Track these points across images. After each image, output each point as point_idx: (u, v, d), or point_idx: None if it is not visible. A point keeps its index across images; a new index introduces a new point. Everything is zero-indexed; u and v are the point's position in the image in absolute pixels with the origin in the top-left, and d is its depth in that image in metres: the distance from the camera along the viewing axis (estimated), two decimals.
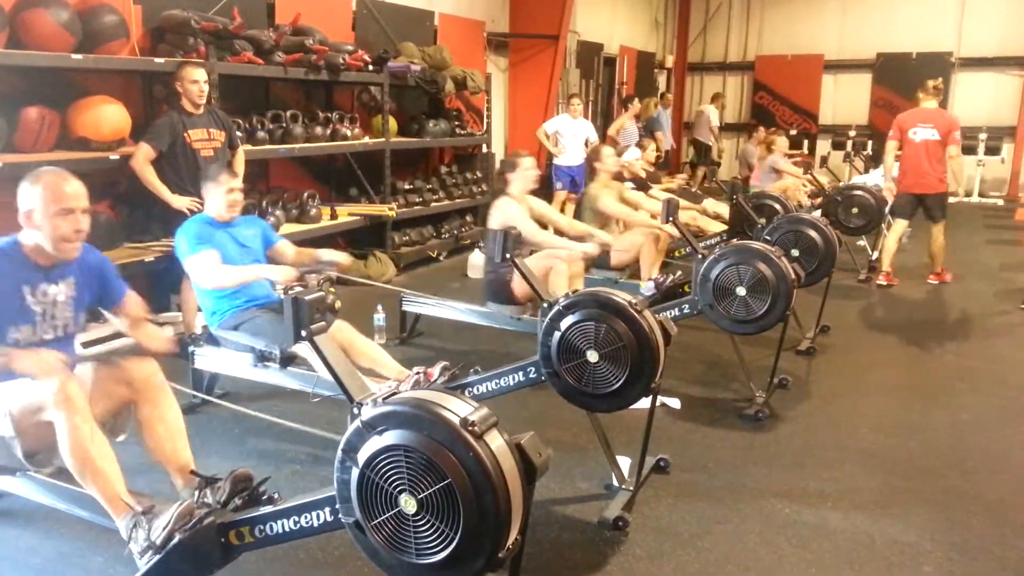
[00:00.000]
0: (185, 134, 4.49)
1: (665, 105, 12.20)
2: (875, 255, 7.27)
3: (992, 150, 12.17)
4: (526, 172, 4.58)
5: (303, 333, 1.96)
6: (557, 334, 2.82)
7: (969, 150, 11.99)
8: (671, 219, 4.26)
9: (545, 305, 3.01)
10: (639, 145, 7.87)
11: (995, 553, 2.64)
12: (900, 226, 6.66)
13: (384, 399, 1.74)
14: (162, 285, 4.64)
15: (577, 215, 5.55)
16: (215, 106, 4.81)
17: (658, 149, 10.92)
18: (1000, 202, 12.09)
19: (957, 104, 12.22)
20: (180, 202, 4.39)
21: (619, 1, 12.84)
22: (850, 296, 6.27)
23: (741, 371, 4.02)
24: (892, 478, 3.19)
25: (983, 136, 12.09)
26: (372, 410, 1.68)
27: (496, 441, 1.62)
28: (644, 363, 2.73)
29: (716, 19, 14.88)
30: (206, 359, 3.59)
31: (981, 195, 12.32)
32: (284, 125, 5.90)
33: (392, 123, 7.08)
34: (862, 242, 7.60)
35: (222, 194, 3.54)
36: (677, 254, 6.23)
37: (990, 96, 12.64)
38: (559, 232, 4.74)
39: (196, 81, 4.48)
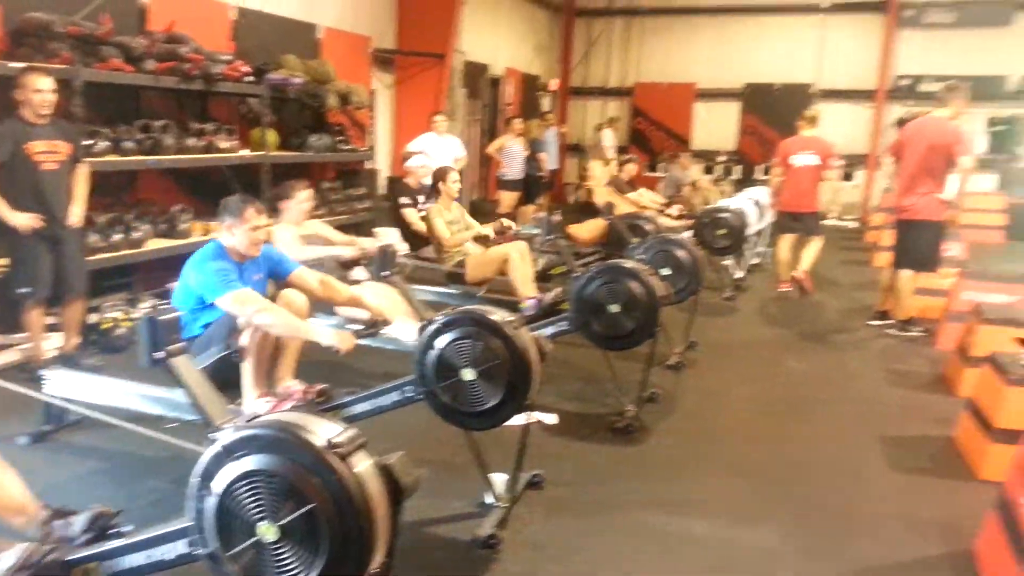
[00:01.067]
0: (25, 145, 4.12)
1: (548, 126, 12.47)
2: (740, 274, 7.69)
3: (847, 176, 13.15)
4: (301, 204, 4.57)
5: (160, 355, 1.89)
6: (433, 352, 2.84)
7: None
8: (551, 237, 4.37)
9: (423, 323, 3.02)
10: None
11: (841, 555, 2.85)
12: (787, 240, 7.28)
13: (246, 422, 1.71)
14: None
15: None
16: (73, 116, 4.55)
17: (542, 170, 11.21)
18: (854, 224, 13.04)
19: (817, 129, 13.10)
20: (18, 219, 4.07)
21: (505, 24, 13.07)
22: (716, 313, 6.60)
23: (614, 386, 4.16)
24: (751, 487, 3.38)
25: (840, 162, 12.98)
26: (231, 434, 1.64)
27: (362, 463, 1.61)
28: (519, 380, 2.78)
29: (598, 46, 15.38)
30: (58, 385, 3.36)
31: (838, 218, 13.25)
32: (154, 135, 5.65)
33: (272, 136, 6.90)
34: (728, 261, 8.01)
35: (245, 232, 3.33)
36: (555, 271, 6.37)
37: (846, 126, 13.64)
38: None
39: (40, 90, 4.11)
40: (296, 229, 4.53)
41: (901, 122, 7.24)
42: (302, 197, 4.58)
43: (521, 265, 5.31)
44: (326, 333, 3.21)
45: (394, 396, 3.06)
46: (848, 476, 3.53)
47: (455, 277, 5.49)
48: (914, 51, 13.15)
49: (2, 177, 4.11)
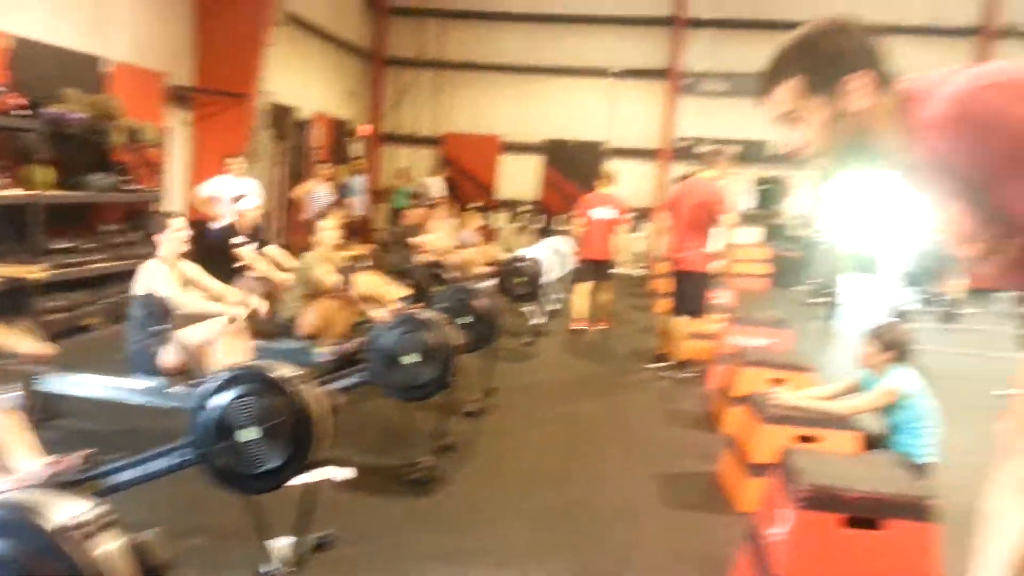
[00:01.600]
0: None
1: (357, 171, 12.45)
2: (540, 320, 8.03)
3: (635, 228, 14.23)
4: (176, 233, 4.37)
5: None
6: (211, 411, 2.72)
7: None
8: (345, 288, 4.36)
9: (198, 380, 2.89)
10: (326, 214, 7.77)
11: None
12: (584, 288, 7.98)
13: None
14: None
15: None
16: None
17: (348, 216, 11.13)
18: (642, 273, 14.07)
19: (612, 186, 14.09)
20: None
21: (314, 67, 12.95)
22: (516, 359, 6.84)
23: (411, 437, 4.19)
24: (540, 530, 3.52)
25: (627, 216, 14.02)
26: None
27: (108, 544, 1.52)
28: (304, 438, 2.73)
29: (408, 94, 15.63)
30: None
31: (628, 267, 14.24)
32: None
33: (46, 174, 6.36)
34: (529, 308, 8.33)
35: None
36: (360, 320, 6.32)
37: (634, 181, 14.74)
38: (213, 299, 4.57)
39: None
40: (172, 269, 4.22)
41: (682, 179, 7.98)
42: (177, 226, 4.32)
43: (339, 314, 5.22)
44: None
45: (166, 461, 2.87)
46: (625, 514, 3.77)
47: (289, 330, 5.25)
48: (693, 116, 14.54)
49: None
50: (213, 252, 6.10)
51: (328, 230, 5.55)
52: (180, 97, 9.30)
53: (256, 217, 6.49)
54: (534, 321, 7.90)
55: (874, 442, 4.02)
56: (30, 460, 2.92)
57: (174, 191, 9.10)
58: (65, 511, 1.50)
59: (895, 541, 2.73)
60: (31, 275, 5.89)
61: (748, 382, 4.78)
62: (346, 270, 5.33)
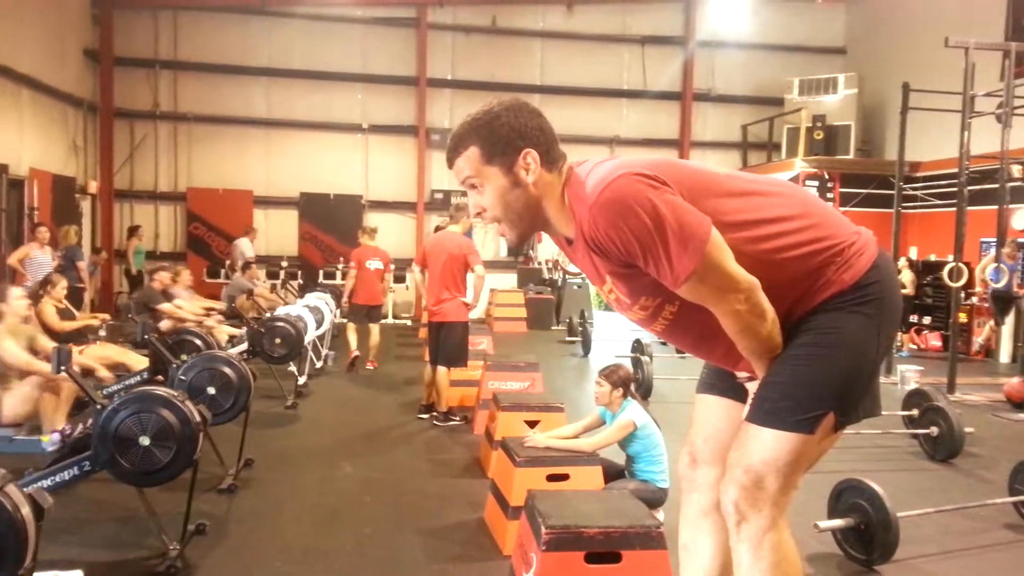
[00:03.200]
0: None
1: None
2: (302, 380, 7.76)
3: (399, 279, 14.32)
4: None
5: None
6: None
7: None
8: (63, 368, 3.91)
9: None
10: (49, 280, 6.99)
11: None
12: (356, 327, 9.14)
13: None
14: None
15: None
16: None
17: (82, 280, 10.07)
18: (409, 322, 14.16)
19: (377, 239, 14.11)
20: None
21: (28, 121, 11.64)
22: (278, 423, 6.53)
23: (156, 524, 3.82)
24: None
25: (392, 267, 14.09)
26: None
27: None
28: (9, 548, 2.39)
29: (143, 149, 14.58)
30: None
31: (395, 316, 14.27)
32: None
33: None
34: (292, 368, 8.03)
35: None
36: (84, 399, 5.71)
37: (395, 233, 14.92)
38: None
39: None
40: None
41: (438, 229, 8.19)
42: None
43: (52, 397, 4.66)
44: None
45: None
46: None
47: None
48: (444, 169, 15.05)
49: None
50: None
51: (16, 299, 4.96)
52: None
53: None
54: (299, 381, 7.61)
55: (617, 473, 4.35)
56: None
57: None
58: None
59: (636, 572, 2.95)
60: None
61: (506, 426, 4.96)
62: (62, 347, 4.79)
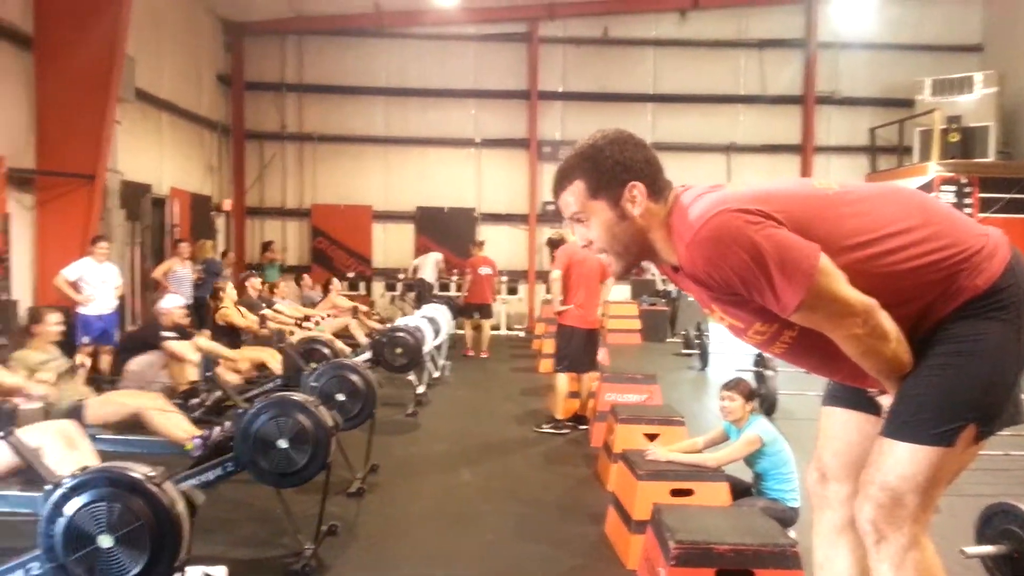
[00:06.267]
0: None
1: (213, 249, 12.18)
2: (421, 389, 7.95)
3: (512, 290, 14.52)
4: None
5: None
6: (62, 520, 2.51)
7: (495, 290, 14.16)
8: (208, 373, 4.17)
9: (48, 487, 2.66)
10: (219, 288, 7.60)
11: None
12: (471, 323, 11.21)
13: None
14: None
15: (115, 369, 5.12)
16: None
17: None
18: (523, 334, 14.26)
19: (485, 251, 14.35)
20: None
21: (168, 143, 12.54)
22: (399, 431, 6.71)
23: (291, 524, 4.00)
24: None
25: (505, 278, 14.35)
26: None
27: None
28: (166, 541, 2.56)
29: (272, 168, 15.39)
30: None
31: (508, 328, 14.41)
32: None
33: None
34: (411, 377, 8.24)
35: None
36: (228, 403, 6.05)
37: (507, 245, 15.11)
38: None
39: None
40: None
41: (551, 242, 8.21)
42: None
43: (160, 414, 4.92)
44: None
45: None
46: None
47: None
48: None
49: None
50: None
51: (53, 325, 5.16)
52: (20, 180, 8.74)
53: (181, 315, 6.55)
54: (417, 391, 7.81)
55: (744, 490, 4.21)
56: None
57: (19, 279, 8.49)
58: None
59: None
60: None
61: (625, 438, 4.90)
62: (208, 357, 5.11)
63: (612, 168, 1.82)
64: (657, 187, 1.87)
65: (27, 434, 3.76)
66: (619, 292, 14.01)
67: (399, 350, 7.22)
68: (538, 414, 7.11)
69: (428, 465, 5.84)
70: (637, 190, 1.83)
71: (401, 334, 7.34)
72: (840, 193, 1.88)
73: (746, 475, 4.31)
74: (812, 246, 1.70)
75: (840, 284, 1.71)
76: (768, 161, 15.02)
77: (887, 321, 1.75)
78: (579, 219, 1.91)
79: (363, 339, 9.05)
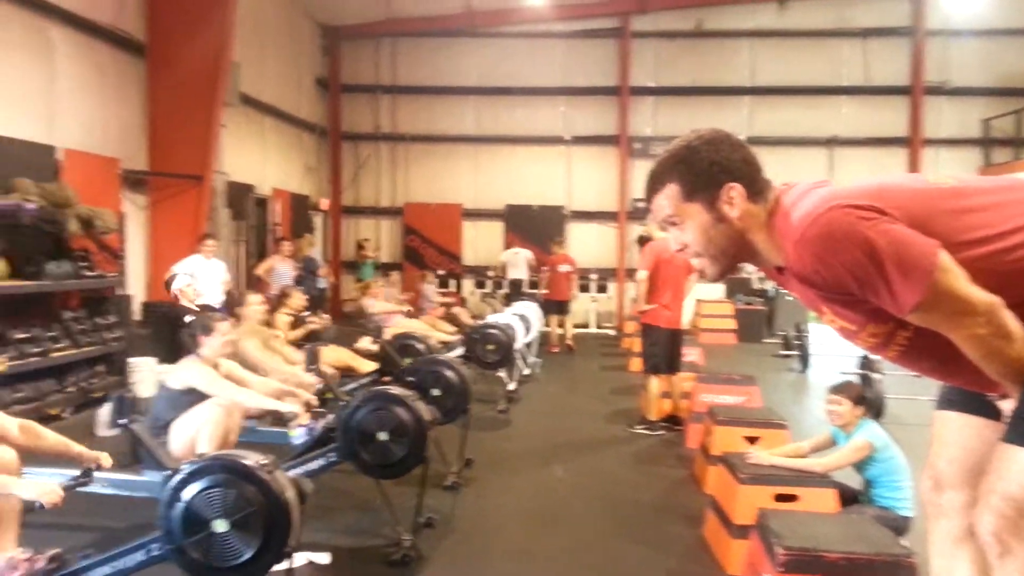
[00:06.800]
0: None
1: (314, 244, 12.56)
2: (512, 386, 7.98)
3: (602, 288, 14.40)
4: (224, 338, 4.36)
5: None
6: (180, 504, 2.63)
7: (584, 288, 14.10)
8: (313, 367, 4.29)
9: (167, 473, 2.80)
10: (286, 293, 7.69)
11: None
12: (554, 319, 11.43)
13: None
14: None
15: None
16: None
17: (319, 287, 11.06)
18: (612, 332, 14.14)
19: (571, 249, 14.27)
20: None
21: (270, 145, 13.03)
22: (491, 427, 6.75)
23: (390, 515, 4.08)
24: None
25: (594, 276, 14.26)
26: None
27: None
28: (278, 527, 2.65)
29: (366, 167, 15.80)
30: None
31: (597, 326, 14.32)
32: None
33: (1, 265, 6.24)
34: (501, 373, 8.28)
35: None
36: (328, 396, 6.22)
37: (596, 243, 15.02)
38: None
39: None
40: (208, 370, 4.21)
41: (641, 240, 8.10)
42: (224, 330, 4.32)
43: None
44: (26, 487, 2.87)
45: (138, 556, 2.77)
46: None
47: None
48: (645, 178, 14.93)
49: None
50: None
51: (254, 305, 5.50)
52: (134, 182, 9.26)
53: (195, 295, 6.61)
54: (508, 387, 7.84)
55: (852, 498, 4.03)
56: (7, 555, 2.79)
57: (134, 275, 8.98)
58: None
59: None
60: None
61: (723, 441, 4.78)
62: (311, 345, 5.26)
63: (707, 169, 1.75)
64: (756, 187, 1.78)
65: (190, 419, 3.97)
66: (713, 291, 13.69)
67: (491, 346, 7.28)
68: (630, 413, 7.02)
69: (521, 461, 5.85)
70: (735, 191, 1.75)
71: (493, 330, 7.39)
72: (958, 187, 1.77)
73: (855, 482, 4.13)
74: (931, 242, 1.60)
75: (961, 282, 1.61)
76: (872, 155, 14.37)
77: (1012, 320, 1.63)
78: (673, 223, 1.85)
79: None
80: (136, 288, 9.03)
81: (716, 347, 11.10)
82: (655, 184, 1.85)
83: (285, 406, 4.35)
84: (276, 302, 7.13)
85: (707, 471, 4.91)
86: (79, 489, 3.99)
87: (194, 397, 4.15)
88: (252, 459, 2.70)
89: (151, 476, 3.62)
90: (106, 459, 3.18)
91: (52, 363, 6.64)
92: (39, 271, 6.73)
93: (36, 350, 6.47)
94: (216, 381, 4.21)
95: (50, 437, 3.19)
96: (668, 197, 1.81)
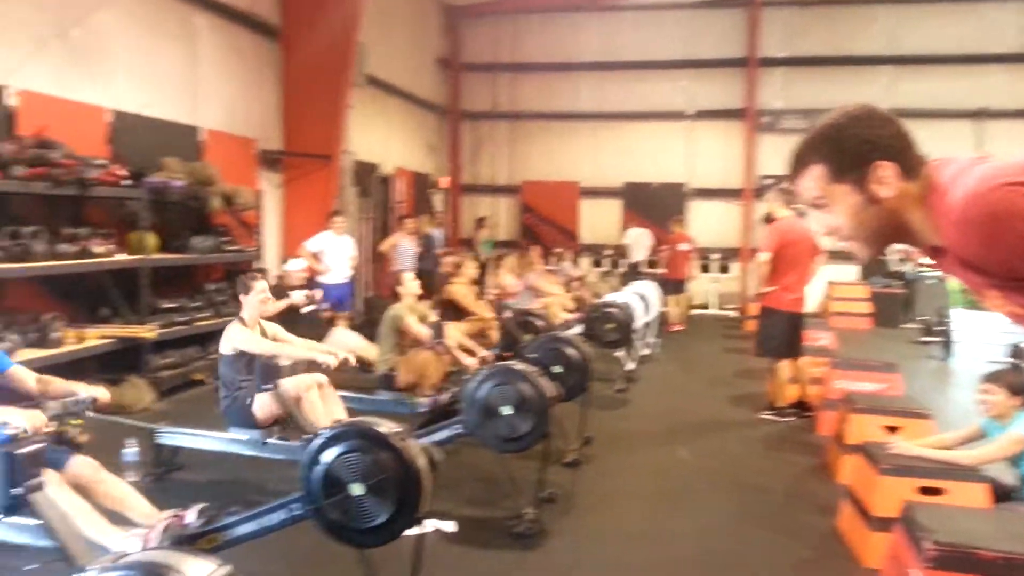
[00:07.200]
0: None
1: (437, 224, 12.76)
2: (631, 366, 7.88)
3: (724, 268, 13.96)
4: (259, 295, 4.47)
5: (18, 492, 1.74)
6: (319, 467, 2.74)
7: (705, 268, 13.73)
8: (439, 340, 4.37)
9: (307, 437, 2.92)
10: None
11: None
12: (673, 298, 11.41)
13: (112, 563, 1.58)
14: None
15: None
16: None
17: (438, 264, 11.26)
18: (734, 314, 13.71)
19: (693, 228, 13.90)
20: None
21: (394, 125, 13.36)
22: (610, 406, 6.70)
23: (512, 488, 4.12)
24: None
25: (716, 256, 13.84)
26: None
27: None
28: (410, 493, 2.71)
29: (485, 146, 15.93)
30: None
31: (719, 307, 13.92)
32: (23, 242, 5.37)
33: (151, 239, 6.70)
34: (619, 353, 8.19)
35: None
36: (453, 370, 6.33)
37: (718, 222, 14.56)
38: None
39: None
40: (254, 328, 4.39)
41: (768, 218, 7.77)
42: (259, 288, 4.43)
43: (437, 368, 5.26)
44: (18, 416, 2.90)
45: (280, 515, 2.91)
46: (739, 571, 3.58)
47: (386, 382, 5.37)
48: (773, 153, 14.31)
49: None
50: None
51: (410, 282, 5.64)
52: (270, 161, 9.72)
53: (302, 277, 6.85)
54: (627, 367, 7.76)
55: (1006, 495, 3.73)
56: (149, 515, 3.00)
57: (269, 250, 9.45)
58: (197, 571, 1.51)
59: None
60: (143, 334, 6.17)
61: (860, 429, 4.53)
62: (438, 322, 5.37)
63: (857, 148, 1.62)
64: (909, 164, 1.64)
65: (288, 382, 4.18)
66: (846, 273, 13.02)
67: (610, 325, 7.20)
68: (755, 398, 6.79)
69: (641, 441, 5.78)
70: (887, 170, 1.62)
71: (613, 309, 7.31)
72: None
73: (1010, 478, 3.83)
74: None
75: None
76: None
77: None
78: (821, 205, 1.74)
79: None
80: (270, 262, 9.50)
81: (849, 332, 10.54)
82: (800, 165, 1.75)
83: (320, 356, 4.38)
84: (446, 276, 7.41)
85: (841, 460, 4.69)
86: (217, 451, 4.28)
87: (246, 358, 4.30)
88: (386, 427, 2.77)
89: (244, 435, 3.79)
90: (103, 393, 3.33)
91: (196, 331, 7.08)
92: (185, 245, 7.19)
93: (182, 319, 6.91)
94: (257, 339, 4.32)
95: (57, 383, 3.34)
96: (814, 179, 1.71)
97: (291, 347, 4.44)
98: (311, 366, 4.44)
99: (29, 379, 3.30)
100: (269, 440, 4.15)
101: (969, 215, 1.51)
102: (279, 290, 6.61)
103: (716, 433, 6.05)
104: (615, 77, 14.99)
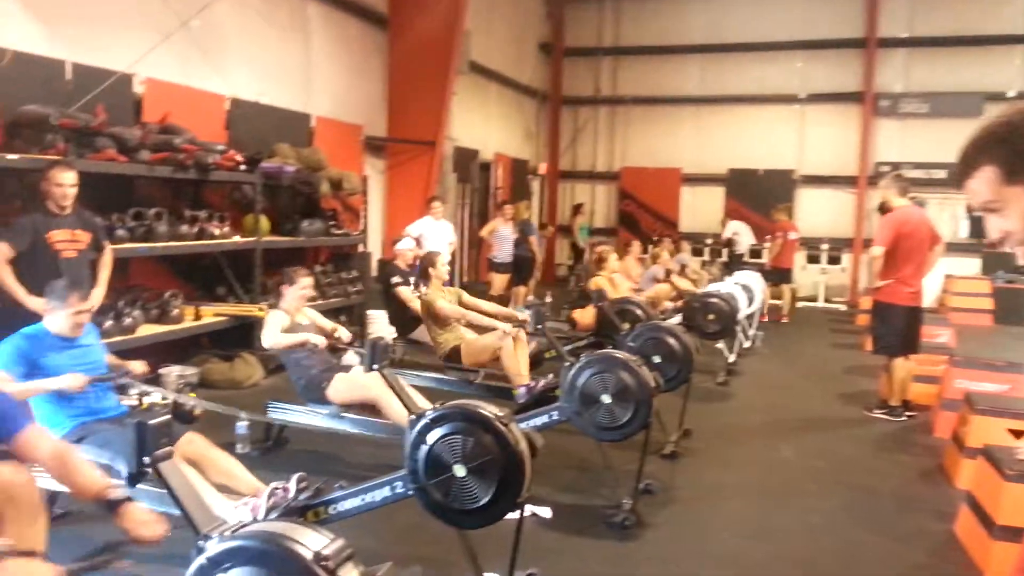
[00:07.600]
0: (46, 235, 4.37)
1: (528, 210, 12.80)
2: (732, 358, 7.67)
3: (834, 259, 13.37)
4: (301, 290, 4.64)
5: (147, 461, 1.85)
6: (424, 448, 2.79)
7: (813, 259, 13.18)
8: (540, 326, 4.36)
9: (413, 417, 2.98)
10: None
11: None
12: (777, 288, 11.02)
13: (233, 532, 1.65)
14: None
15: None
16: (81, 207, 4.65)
17: (532, 251, 11.29)
18: (843, 307, 13.14)
19: (801, 217, 13.36)
20: (35, 303, 4.09)
21: (493, 111, 13.43)
22: (710, 399, 6.54)
23: (609, 477, 4.09)
24: None
25: (825, 247, 13.28)
26: (218, 545, 1.59)
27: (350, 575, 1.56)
28: (512, 477, 2.73)
29: (584, 132, 15.81)
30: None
31: (827, 300, 13.37)
32: (147, 223, 5.70)
33: (264, 222, 6.99)
34: (720, 345, 7.99)
35: (67, 316, 3.39)
36: (548, 355, 6.31)
37: (829, 210, 13.96)
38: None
39: (61, 184, 4.41)
40: (289, 317, 4.55)
41: (882, 208, 7.39)
42: (303, 284, 4.66)
43: (515, 353, 5.27)
44: (55, 382, 3.20)
45: (384, 492, 2.98)
46: (848, 572, 3.44)
47: (449, 361, 5.44)
48: (892, 139, 13.58)
49: (21, 265, 4.32)
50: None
51: (441, 265, 5.65)
52: (375, 147, 9.96)
53: (413, 258, 6.89)
54: (729, 359, 7.56)
55: None
56: (254, 486, 3.14)
57: (372, 234, 9.70)
58: (314, 542, 1.55)
59: None
60: (256, 312, 6.44)
61: (983, 432, 4.26)
62: (536, 306, 5.34)
63: None
64: None
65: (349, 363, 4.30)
66: (965, 266, 12.26)
67: (712, 316, 7.01)
68: (865, 396, 6.49)
69: (743, 436, 5.62)
70: None
71: (715, 299, 7.12)
72: None
73: None
74: None
75: None
76: None
77: None
78: (993, 209, 1.62)
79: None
80: (374, 246, 9.75)
81: (969, 328, 9.92)
82: (968, 167, 1.64)
83: (316, 339, 4.44)
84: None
85: (961, 464, 4.43)
86: (325, 428, 4.42)
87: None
88: (489, 410, 2.79)
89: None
90: (138, 366, 3.51)
91: None
92: (295, 228, 7.46)
93: None
94: (272, 330, 4.42)
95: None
96: (985, 181, 1.60)
97: (283, 337, 4.45)
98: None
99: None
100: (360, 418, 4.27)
101: None
102: (391, 270, 6.75)
103: (823, 431, 5.82)
104: (722, 60, 14.57)
